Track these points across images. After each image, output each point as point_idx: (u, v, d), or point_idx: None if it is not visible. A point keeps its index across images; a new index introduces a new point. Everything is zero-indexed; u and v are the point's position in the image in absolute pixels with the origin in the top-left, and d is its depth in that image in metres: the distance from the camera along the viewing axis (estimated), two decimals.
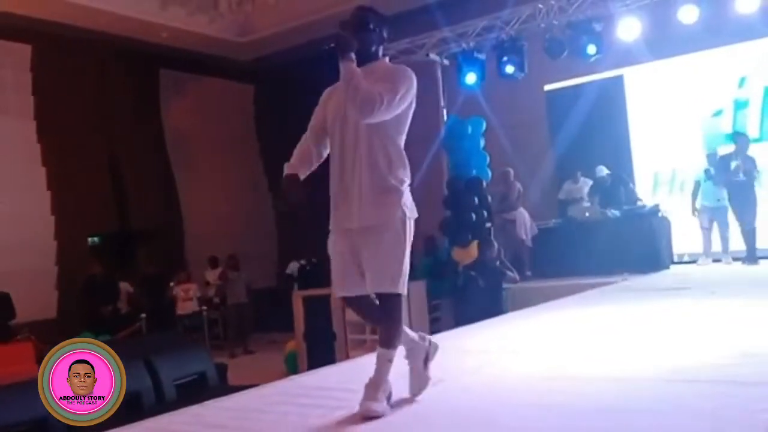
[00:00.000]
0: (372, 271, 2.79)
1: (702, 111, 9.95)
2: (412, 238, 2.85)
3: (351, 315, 8.56)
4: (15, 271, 9.85)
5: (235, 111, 14.09)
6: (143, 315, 10.23)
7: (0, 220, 10.32)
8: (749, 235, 8.12)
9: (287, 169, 2.89)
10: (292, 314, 8.91)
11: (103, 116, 12.20)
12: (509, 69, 8.89)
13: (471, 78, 9.21)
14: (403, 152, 2.88)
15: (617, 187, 9.53)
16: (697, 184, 8.68)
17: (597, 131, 10.24)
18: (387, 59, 3.01)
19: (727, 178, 8.12)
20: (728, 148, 8.52)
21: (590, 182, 9.77)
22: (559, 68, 9.75)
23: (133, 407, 5.55)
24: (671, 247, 9.29)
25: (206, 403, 3.45)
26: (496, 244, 7.70)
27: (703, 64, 9.83)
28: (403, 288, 2.82)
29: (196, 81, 13.57)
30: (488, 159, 9.14)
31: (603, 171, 9.69)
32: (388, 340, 2.82)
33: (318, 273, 9.85)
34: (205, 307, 11.04)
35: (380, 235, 2.78)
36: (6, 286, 9.35)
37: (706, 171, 8.54)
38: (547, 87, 10.98)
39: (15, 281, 9.55)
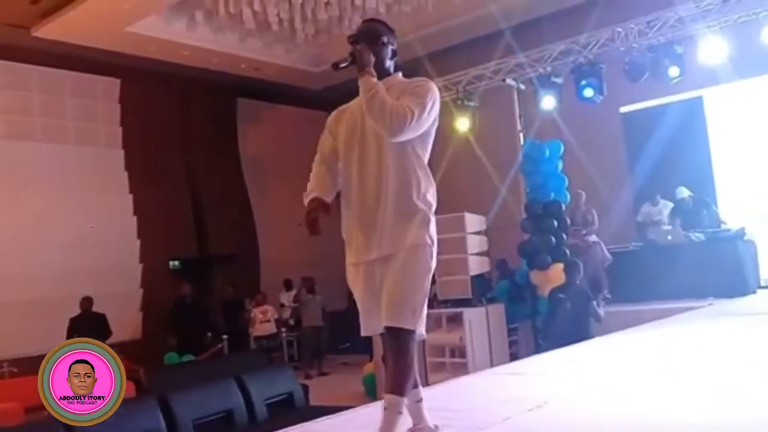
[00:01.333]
0: (386, 302, 2.50)
1: None
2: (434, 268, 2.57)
3: (431, 338, 8.62)
4: (104, 293, 10.28)
5: (309, 138, 14.26)
6: (225, 336, 10.51)
7: (90, 244, 10.84)
8: None
9: (309, 196, 2.72)
10: (368, 336, 8.98)
11: (184, 145, 12.74)
12: (588, 92, 8.86)
13: (548, 102, 9.22)
14: (430, 173, 2.65)
15: (700, 209, 9.32)
16: None
17: (676, 153, 10.06)
18: (400, 74, 2.77)
19: None
20: None
21: (670, 205, 9.59)
22: (636, 90, 9.65)
23: (227, 425, 5.74)
24: (758, 271, 9.02)
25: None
26: (582, 267, 7.63)
27: None
28: (416, 324, 2.48)
29: (272, 109, 14.02)
30: (566, 182, 9.11)
31: (684, 193, 9.50)
32: (396, 386, 2.46)
33: None
34: (283, 329, 11.26)
35: (402, 261, 2.50)
36: (96, 307, 9.79)
37: None
38: (623, 109, 10.88)
39: (104, 303, 9.97)
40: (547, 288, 8.55)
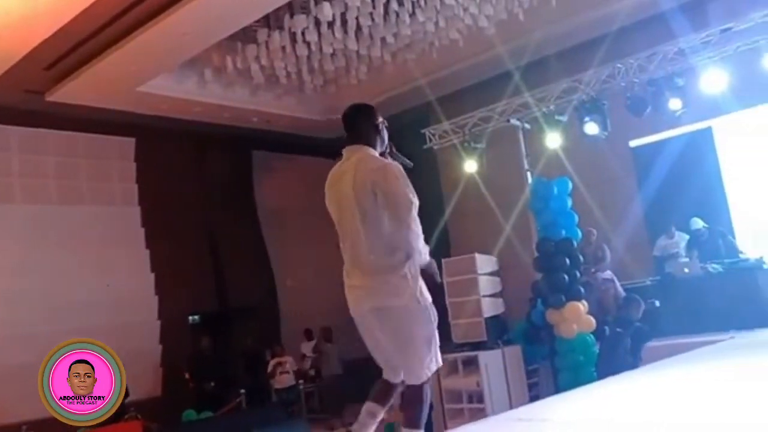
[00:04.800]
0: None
1: None
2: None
3: (447, 383, 8.51)
4: (121, 350, 10.28)
5: (323, 186, 14.56)
6: (243, 390, 10.45)
7: (108, 302, 10.94)
8: None
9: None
10: None
11: (200, 199, 12.91)
12: (591, 128, 8.87)
13: (553, 140, 9.24)
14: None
15: (716, 240, 9.20)
16: None
17: (688, 184, 9.95)
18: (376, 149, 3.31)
19: None
20: None
21: (686, 237, 9.48)
22: (645, 124, 9.65)
23: None
24: None
25: None
26: (642, 301, 7.57)
27: None
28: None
29: (286, 160, 14.20)
30: (577, 218, 9.05)
31: (698, 224, 9.40)
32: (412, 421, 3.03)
33: None
34: (302, 380, 11.18)
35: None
36: None
37: None
38: (633, 143, 10.84)
39: (122, 361, 9.99)
40: (564, 327, 8.44)
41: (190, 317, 12.57)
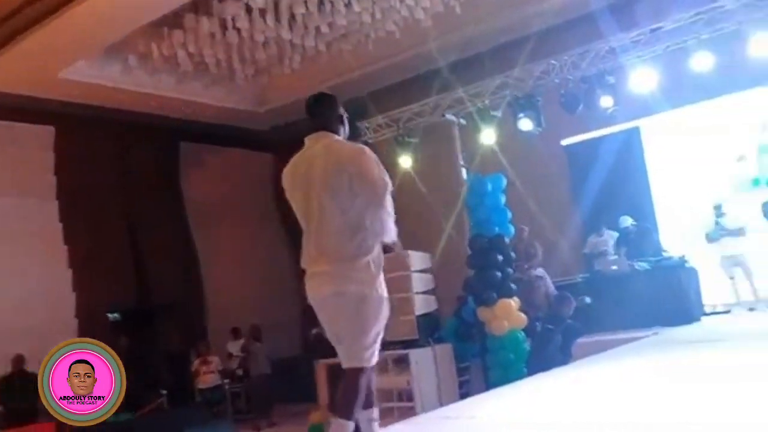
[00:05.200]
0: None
1: (724, 158, 9.81)
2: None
3: (377, 382, 8.32)
4: (37, 349, 9.73)
5: (255, 180, 14.16)
6: (164, 391, 10.02)
7: (23, 299, 10.31)
8: None
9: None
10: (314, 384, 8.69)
11: (123, 192, 12.35)
12: (526, 125, 8.87)
13: (488, 136, 9.19)
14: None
15: (642, 238, 9.35)
16: (708, 236, 8.72)
17: (618, 183, 10.14)
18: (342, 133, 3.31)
19: None
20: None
21: (615, 235, 9.61)
22: (578, 122, 9.76)
23: None
24: (701, 298, 9.02)
25: None
26: (573, 299, 7.55)
27: (722, 111, 9.75)
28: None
29: (216, 152, 13.73)
30: (510, 215, 9.02)
31: (627, 221, 9.54)
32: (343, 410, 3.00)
33: None
34: (227, 380, 10.82)
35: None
36: (30, 365, 9.25)
37: (718, 222, 8.50)
38: (565, 141, 10.94)
39: (38, 361, 9.44)
40: (495, 324, 8.39)
41: (110, 315, 12.00)
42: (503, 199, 9.05)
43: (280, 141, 13.89)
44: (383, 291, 3.07)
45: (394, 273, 8.42)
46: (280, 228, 14.39)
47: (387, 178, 3.05)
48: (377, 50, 10.76)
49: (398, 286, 8.37)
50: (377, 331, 3.04)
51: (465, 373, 8.95)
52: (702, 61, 8.02)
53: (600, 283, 9.00)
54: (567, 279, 9.38)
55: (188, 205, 13.33)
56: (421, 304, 8.54)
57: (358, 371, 2.99)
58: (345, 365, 3.02)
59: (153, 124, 12.42)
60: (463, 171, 9.58)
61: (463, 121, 9.58)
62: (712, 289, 9.02)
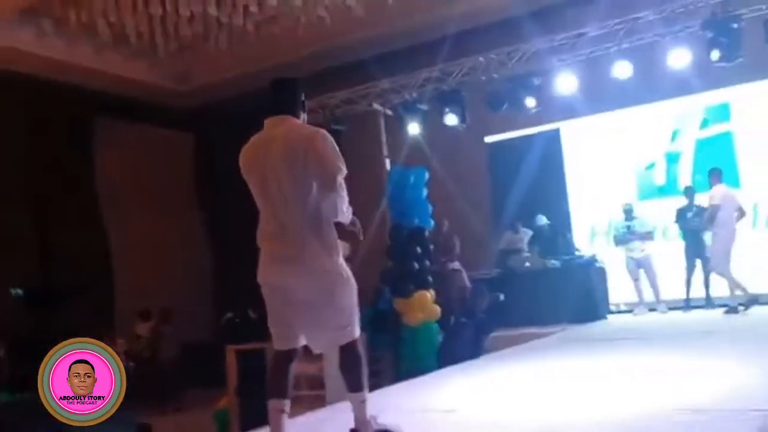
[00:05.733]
0: None
1: (636, 164, 10.22)
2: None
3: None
4: None
5: (174, 160, 13.74)
6: None
7: None
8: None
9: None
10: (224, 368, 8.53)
11: (30, 164, 11.67)
12: (451, 119, 8.97)
13: (413, 128, 9.24)
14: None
15: (556, 236, 9.64)
16: (616, 238, 9.04)
17: (536, 183, 10.39)
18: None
19: (686, 227, 8.45)
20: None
21: (530, 233, 9.86)
22: (502, 120, 9.94)
23: None
24: (608, 297, 9.42)
25: None
26: (487, 294, 7.63)
27: (638, 119, 10.15)
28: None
29: (133, 128, 13.18)
30: (431, 209, 9.11)
31: (542, 220, 9.81)
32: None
33: (256, 325, 9.51)
34: (132, 363, 10.43)
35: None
36: None
37: (628, 225, 8.88)
38: (489, 139, 11.13)
39: None
40: (410, 316, 8.45)
41: (12, 290, 11.37)
42: (425, 192, 9.13)
43: (203, 121, 13.55)
44: (346, 270, 3.13)
45: None
46: (198, 210, 14.05)
47: (342, 164, 3.08)
48: (307, 35, 10.61)
49: None
50: (352, 307, 3.11)
51: (377, 364, 8.98)
52: (622, 70, 8.31)
53: (513, 279, 9.23)
54: (482, 274, 9.56)
55: (100, 182, 12.73)
56: None
57: (354, 343, 3.07)
58: (340, 342, 3.07)
59: (66, 96, 11.77)
60: (387, 162, 9.59)
61: (389, 112, 9.58)
62: (619, 289, 9.40)
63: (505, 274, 9.50)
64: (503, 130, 10.79)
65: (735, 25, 7.55)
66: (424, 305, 8.46)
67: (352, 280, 3.14)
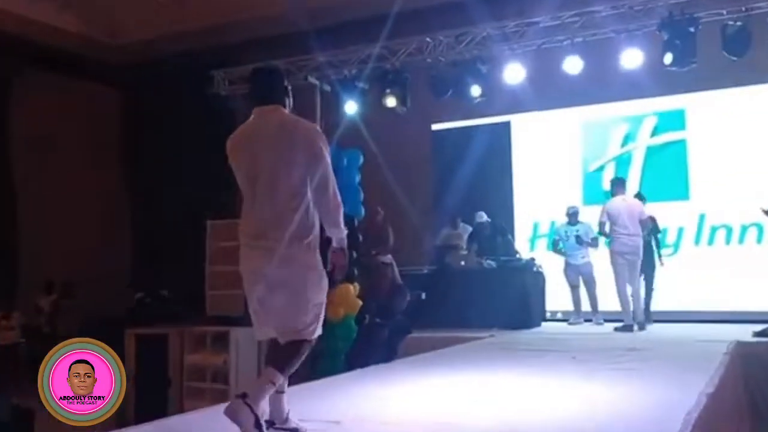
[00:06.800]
0: None
1: (585, 166, 9.79)
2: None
3: (191, 359, 7.58)
4: None
5: (98, 118, 12.73)
6: None
7: None
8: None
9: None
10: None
11: None
12: (390, 101, 8.34)
13: (351, 107, 8.60)
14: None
15: (495, 236, 9.14)
16: (556, 242, 8.60)
17: (482, 177, 9.91)
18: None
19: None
20: None
21: (470, 229, 9.35)
22: (449, 108, 9.40)
23: None
24: (544, 303, 8.97)
25: None
26: (408, 293, 6.99)
27: (589, 119, 9.74)
28: None
29: (56, 81, 12.15)
30: (362, 195, 8.48)
31: (483, 217, 9.29)
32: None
33: (167, 306, 8.80)
34: (23, 339, 9.61)
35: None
36: None
37: (577, 234, 8.37)
38: (435, 126, 10.54)
39: None
40: (331, 310, 7.83)
41: None
42: (358, 177, 8.51)
43: (133, 80, 12.58)
44: (321, 267, 3.14)
45: (227, 242, 7.68)
46: (121, 176, 13.08)
47: (329, 160, 3.13)
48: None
49: (229, 257, 7.63)
50: (318, 305, 3.10)
51: None
52: (573, 65, 7.88)
53: (446, 277, 8.73)
54: (414, 269, 8.98)
55: (15, 137, 11.76)
56: None
57: (305, 343, 3.06)
58: (285, 339, 3.02)
59: None
60: None
61: (327, 88, 8.88)
62: (558, 295, 8.94)
63: (438, 271, 8.96)
64: (450, 119, 10.22)
65: (692, 29, 7.23)
66: (346, 299, 7.88)
67: (326, 280, 3.14)
